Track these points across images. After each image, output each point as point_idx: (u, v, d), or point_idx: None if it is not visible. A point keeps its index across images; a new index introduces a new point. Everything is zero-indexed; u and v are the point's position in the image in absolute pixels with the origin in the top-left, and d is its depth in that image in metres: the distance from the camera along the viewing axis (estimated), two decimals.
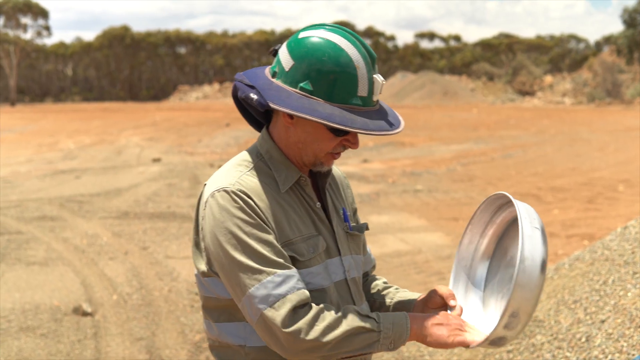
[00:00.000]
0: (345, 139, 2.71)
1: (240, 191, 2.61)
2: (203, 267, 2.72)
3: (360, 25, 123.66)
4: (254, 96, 2.65)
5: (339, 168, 3.17)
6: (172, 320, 8.47)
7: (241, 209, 2.59)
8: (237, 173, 2.71)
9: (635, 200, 16.43)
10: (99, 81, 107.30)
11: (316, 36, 2.63)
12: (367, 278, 3.19)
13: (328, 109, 2.56)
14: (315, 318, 2.53)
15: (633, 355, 5.30)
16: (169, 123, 43.57)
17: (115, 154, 27.66)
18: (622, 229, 7.34)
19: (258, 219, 2.59)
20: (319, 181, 2.90)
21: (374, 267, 3.22)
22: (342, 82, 2.59)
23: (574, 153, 26.80)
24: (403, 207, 16.42)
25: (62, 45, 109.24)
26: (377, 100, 2.71)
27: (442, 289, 2.90)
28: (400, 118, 2.76)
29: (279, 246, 2.60)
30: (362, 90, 2.62)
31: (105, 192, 17.27)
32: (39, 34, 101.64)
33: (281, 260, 2.57)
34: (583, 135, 32.63)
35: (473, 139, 31.69)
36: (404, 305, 3.01)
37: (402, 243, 12.75)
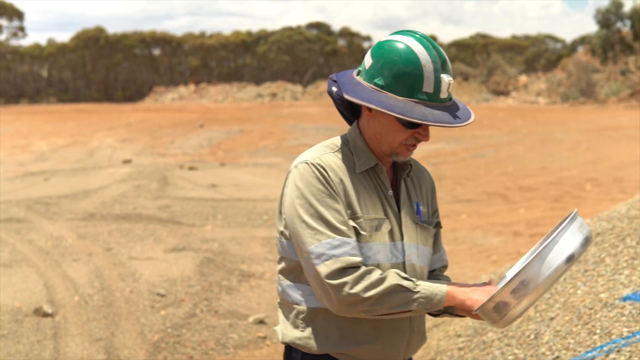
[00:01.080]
0: (416, 131, 3.01)
1: (319, 164, 2.99)
2: (281, 228, 3.10)
3: (337, 26, 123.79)
4: (334, 89, 3.09)
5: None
6: (132, 320, 8.49)
7: (317, 178, 2.97)
8: (320, 151, 3.09)
9: (601, 199, 16.54)
10: (75, 82, 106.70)
11: (395, 40, 2.98)
12: (433, 273, 3.41)
13: (393, 101, 2.90)
14: (362, 276, 2.86)
15: (579, 352, 5.36)
16: (144, 124, 43.45)
17: (87, 155, 27.59)
18: None
19: (331, 190, 2.96)
20: (398, 172, 3.20)
21: (444, 267, 3.48)
22: (408, 79, 2.90)
23: (545, 153, 26.93)
24: None
25: (37, 46, 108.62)
26: (449, 98, 3.00)
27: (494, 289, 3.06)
28: (472, 114, 3.04)
29: (345, 217, 2.95)
30: (428, 87, 2.91)
31: (73, 193, 17.24)
32: (14, 35, 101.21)
33: (344, 228, 2.92)
34: (556, 134, 32.76)
35: (445, 138, 31.73)
36: None
37: None
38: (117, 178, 20.15)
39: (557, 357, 5.38)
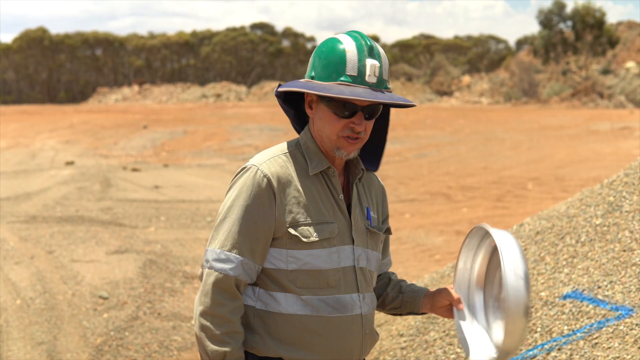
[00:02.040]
0: (350, 121, 3.02)
1: (264, 175, 3.03)
2: None
3: (281, 27, 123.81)
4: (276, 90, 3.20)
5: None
6: (74, 324, 8.43)
7: (257, 187, 3.03)
8: (273, 155, 3.12)
9: (543, 198, 16.72)
10: (18, 84, 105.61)
11: (329, 37, 3.09)
12: (383, 275, 3.52)
13: (316, 84, 3.00)
14: (223, 307, 2.99)
15: (520, 350, 5.42)
16: (86, 126, 43.06)
17: (29, 157, 27.29)
18: (517, 226, 7.49)
19: (265, 206, 3.03)
20: (350, 177, 3.23)
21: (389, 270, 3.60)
22: (332, 64, 2.99)
23: (487, 152, 27.16)
24: None
25: None
26: (382, 85, 3.04)
27: (453, 293, 3.30)
28: (409, 101, 3.08)
29: (255, 238, 3.02)
30: (352, 70, 2.97)
31: (15, 196, 17.03)
32: None
33: (243, 248, 3.00)
34: (498, 134, 33.03)
35: (390, 139, 31.54)
36: (414, 297, 3.40)
37: None
38: (59, 180, 19.96)
39: None
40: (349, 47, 2.98)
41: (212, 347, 2.97)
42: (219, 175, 22.20)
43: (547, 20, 72.39)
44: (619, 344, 4.95)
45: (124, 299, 9.15)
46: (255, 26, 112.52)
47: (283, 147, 3.18)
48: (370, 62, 2.97)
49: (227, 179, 21.03)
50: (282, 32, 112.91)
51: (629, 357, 4.74)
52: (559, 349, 5.20)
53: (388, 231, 3.38)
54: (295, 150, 3.15)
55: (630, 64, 67.89)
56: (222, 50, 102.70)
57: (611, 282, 5.64)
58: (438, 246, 12.38)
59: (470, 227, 12.53)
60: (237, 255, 2.99)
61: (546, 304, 5.78)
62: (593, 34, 70.09)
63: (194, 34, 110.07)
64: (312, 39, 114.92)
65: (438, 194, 18.08)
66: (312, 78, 3.04)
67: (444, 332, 6.04)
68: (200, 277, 3.07)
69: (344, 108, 2.99)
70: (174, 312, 8.93)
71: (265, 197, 3.02)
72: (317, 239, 3.04)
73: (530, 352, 5.32)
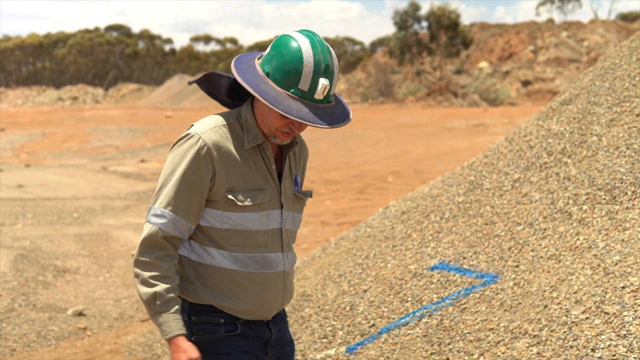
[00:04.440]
0: (290, 122, 3.30)
1: (205, 144, 3.27)
2: None
3: (137, 28, 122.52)
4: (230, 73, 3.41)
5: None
6: None
7: (196, 154, 3.27)
8: (213, 124, 3.36)
9: (403, 190, 17.15)
10: None
11: (293, 36, 3.25)
12: None
13: (269, 88, 3.20)
14: (150, 254, 3.29)
15: (393, 319, 5.71)
16: None
17: None
18: (383, 209, 7.81)
19: (201, 172, 3.28)
20: (284, 149, 3.50)
21: None
22: (288, 73, 3.19)
23: (347, 149, 27.61)
24: None
25: None
26: (327, 101, 3.29)
27: None
28: (345, 120, 3.36)
29: (189, 200, 3.30)
30: (304, 85, 3.19)
31: None
32: None
33: (177, 207, 3.29)
34: (356, 132, 33.49)
35: None
36: None
37: None
38: None
39: (373, 324, 5.72)
40: (307, 60, 3.19)
41: (143, 289, 3.27)
42: (82, 174, 22.01)
43: (402, 21, 73.50)
44: (486, 307, 5.29)
45: None
46: (111, 28, 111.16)
47: (222, 118, 3.40)
48: (322, 82, 3.20)
49: (90, 178, 20.93)
50: (139, 33, 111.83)
51: (496, 319, 5.07)
52: (429, 315, 5.51)
53: (310, 195, 3.70)
54: (235, 123, 3.39)
55: (483, 64, 69.68)
56: (78, 52, 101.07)
57: (475, 252, 6.00)
58: (305, 236, 12.64)
59: (335, 218, 12.80)
60: (171, 213, 3.29)
61: (415, 275, 6.08)
62: (448, 35, 71.55)
63: (48, 35, 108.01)
64: (169, 41, 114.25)
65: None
66: (267, 75, 3.24)
67: (318, 307, 6.27)
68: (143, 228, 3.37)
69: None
70: (49, 304, 8.94)
71: (203, 164, 3.28)
72: (250, 203, 3.35)
73: (403, 320, 5.61)
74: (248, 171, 3.36)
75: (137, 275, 3.29)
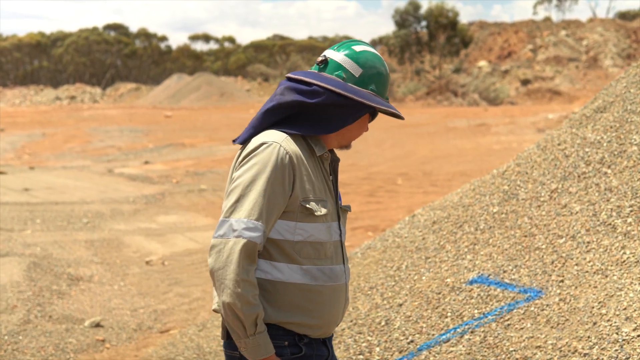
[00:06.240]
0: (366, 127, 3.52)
1: (285, 149, 3.23)
2: None
3: (134, 27, 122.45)
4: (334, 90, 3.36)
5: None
6: None
7: (280, 162, 3.21)
8: (282, 134, 3.31)
9: (413, 192, 17.06)
10: None
11: (369, 51, 3.44)
12: None
13: (372, 98, 3.36)
14: (248, 273, 3.13)
15: (433, 335, 5.55)
16: None
17: None
18: (410, 217, 7.64)
19: (285, 180, 3.22)
20: (333, 162, 3.53)
21: None
22: (385, 83, 3.46)
23: (353, 149, 26.92)
24: (189, 206, 16.47)
25: None
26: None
27: None
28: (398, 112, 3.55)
29: (273, 209, 3.20)
30: (381, 86, 3.46)
31: None
32: None
33: (265, 218, 3.17)
34: None
35: None
36: None
37: (192, 242, 12.82)
38: None
39: (412, 341, 5.56)
40: (382, 65, 3.45)
41: (247, 310, 3.12)
42: (88, 176, 21.85)
43: (402, 20, 73.57)
44: (532, 324, 5.13)
45: (13, 303, 8.95)
46: (108, 27, 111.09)
47: (283, 132, 3.34)
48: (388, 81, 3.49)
49: (96, 181, 20.77)
50: (136, 32, 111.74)
51: (543, 336, 4.92)
52: (471, 332, 5.35)
53: (350, 209, 3.67)
54: (293, 136, 3.35)
55: (482, 63, 69.70)
56: (75, 51, 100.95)
57: (516, 266, 5.83)
58: None
59: (348, 222, 12.61)
60: (262, 224, 3.17)
61: (453, 289, 5.93)
62: (447, 34, 71.58)
63: (45, 35, 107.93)
64: (165, 39, 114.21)
65: None
66: (344, 80, 3.36)
67: (351, 321, 6.13)
68: (212, 249, 3.18)
69: (372, 117, 3.49)
70: (65, 315, 8.79)
71: (287, 172, 3.22)
72: (324, 212, 3.32)
73: (444, 336, 5.46)
74: (316, 182, 3.35)
75: (238, 297, 3.11)
